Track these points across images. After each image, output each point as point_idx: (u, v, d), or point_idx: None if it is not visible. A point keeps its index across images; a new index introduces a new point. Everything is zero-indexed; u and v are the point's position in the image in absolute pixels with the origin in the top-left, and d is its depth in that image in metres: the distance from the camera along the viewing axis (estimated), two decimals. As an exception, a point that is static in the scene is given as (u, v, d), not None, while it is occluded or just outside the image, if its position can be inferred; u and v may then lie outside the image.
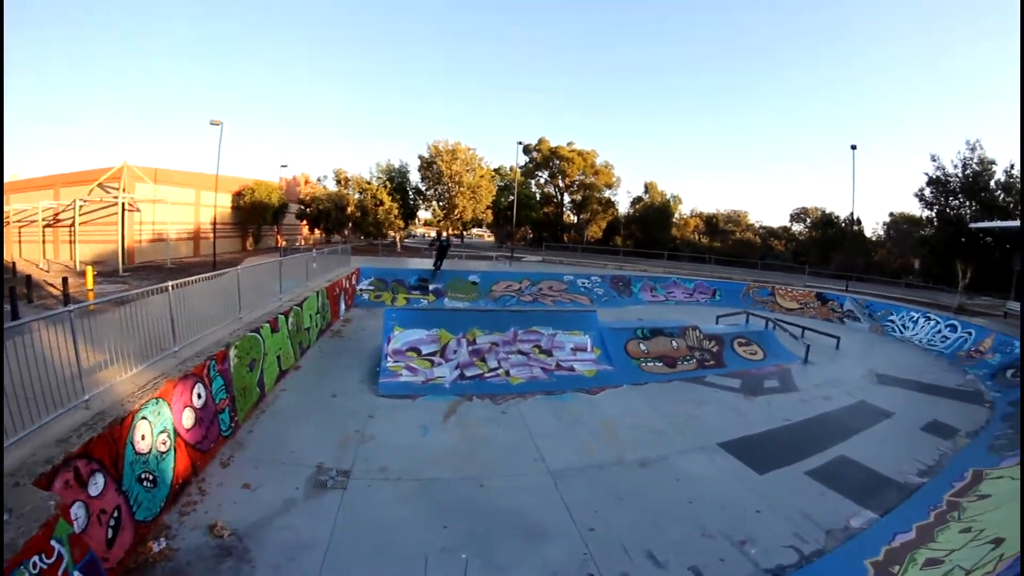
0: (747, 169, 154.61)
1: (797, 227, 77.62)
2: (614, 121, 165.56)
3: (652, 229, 74.84)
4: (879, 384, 18.79)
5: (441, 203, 57.77)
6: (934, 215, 39.66)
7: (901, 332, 29.03)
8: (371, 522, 8.43)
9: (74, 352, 7.46)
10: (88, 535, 6.11)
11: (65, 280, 26.14)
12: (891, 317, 30.52)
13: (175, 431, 8.84)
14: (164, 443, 8.40)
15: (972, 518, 8.63)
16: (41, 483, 5.63)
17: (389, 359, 16.22)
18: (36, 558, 4.75)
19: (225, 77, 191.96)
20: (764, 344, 21.67)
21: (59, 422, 6.91)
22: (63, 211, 43.02)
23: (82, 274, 30.38)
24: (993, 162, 36.40)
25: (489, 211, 62.36)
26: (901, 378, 19.73)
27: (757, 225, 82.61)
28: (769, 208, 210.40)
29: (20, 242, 45.57)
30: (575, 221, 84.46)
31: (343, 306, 25.81)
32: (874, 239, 68.37)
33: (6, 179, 48.48)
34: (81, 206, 41.38)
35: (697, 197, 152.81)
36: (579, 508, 9.27)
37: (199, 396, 9.95)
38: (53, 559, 4.96)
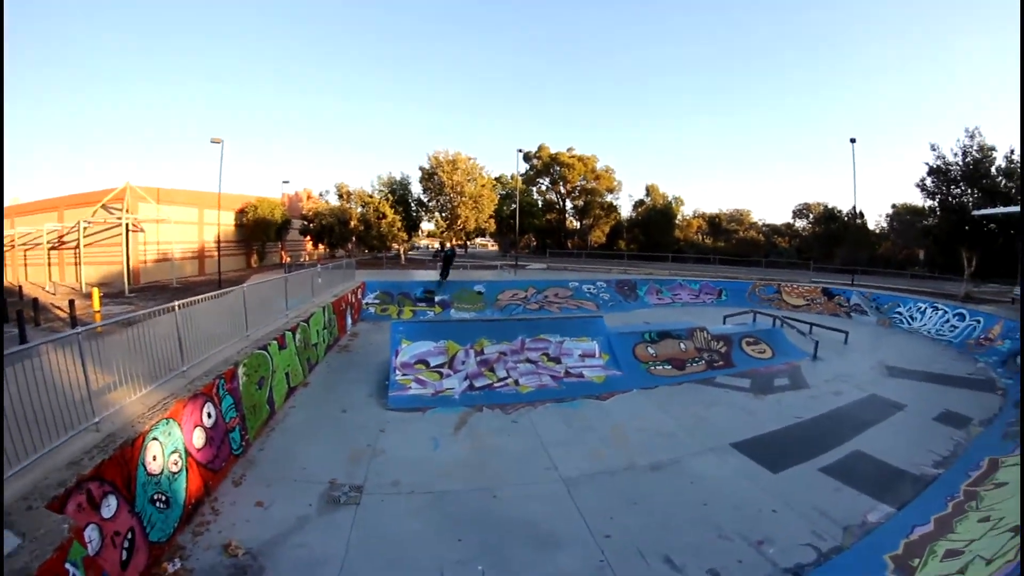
0: (748, 168, 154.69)
1: (800, 223, 77.54)
2: (614, 125, 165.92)
3: (655, 232, 74.79)
4: (889, 377, 18.73)
5: (444, 214, 57.90)
6: (936, 204, 39.45)
7: (909, 323, 29.00)
8: (385, 537, 8.39)
9: (83, 374, 7.47)
10: (102, 558, 6.09)
11: (72, 302, 26.20)
12: (898, 309, 30.50)
13: (186, 451, 8.83)
14: (176, 463, 8.39)
15: (990, 507, 8.56)
16: (54, 506, 5.63)
17: (397, 372, 16.21)
18: (52, 582, 4.75)
19: (225, 95, 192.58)
20: (772, 342, 21.61)
21: (70, 445, 6.92)
22: (67, 233, 43.24)
23: (88, 296, 30.53)
24: (993, 148, 36.25)
25: (492, 220, 62.52)
26: (911, 370, 19.68)
27: (760, 223, 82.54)
28: (772, 205, 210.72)
29: (26, 265, 45.83)
30: (578, 227, 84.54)
31: (350, 321, 25.79)
32: (878, 231, 68.23)
33: (9, 203, 48.80)
34: (85, 228, 41.59)
35: (699, 198, 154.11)
36: (593, 515, 9.22)
37: (209, 415, 9.94)
38: (68, 583, 4.97)
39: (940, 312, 27.49)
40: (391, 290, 31.69)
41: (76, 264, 42.40)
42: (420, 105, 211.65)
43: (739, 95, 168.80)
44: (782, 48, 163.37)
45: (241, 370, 11.84)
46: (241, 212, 57.23)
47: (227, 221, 54.53)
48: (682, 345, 19.51)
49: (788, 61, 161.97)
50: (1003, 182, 36.00)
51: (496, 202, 63.38)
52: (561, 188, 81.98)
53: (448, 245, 53.52)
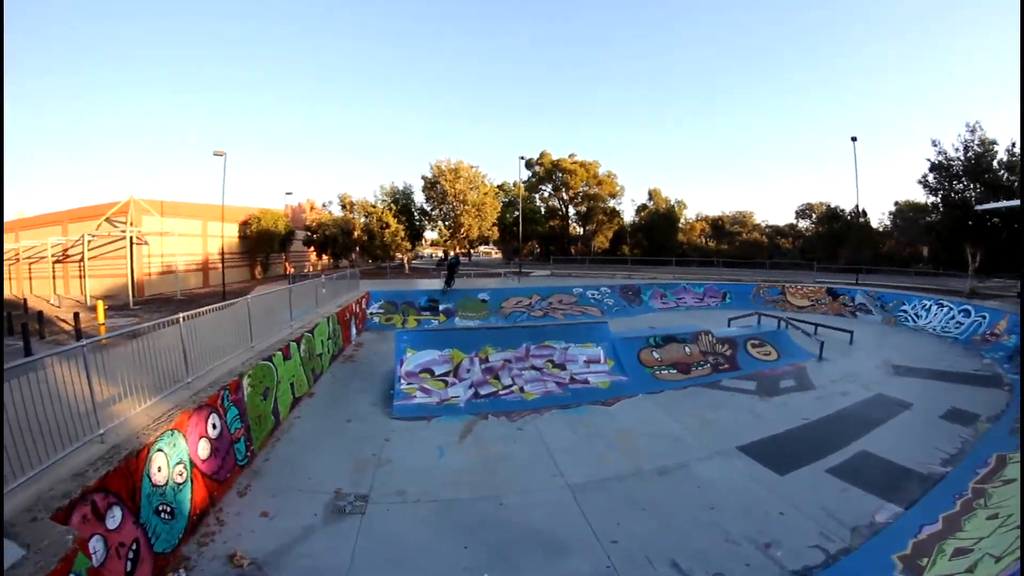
0: (750, 169, 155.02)
1: (803, 224, 77.31)
2: (615, 130, 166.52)
3: (658, 236, 74.72)
4: (895, 375, 18.71)
5: (447, 222, 57.90)
6: (939, 200, 39.39)
7: (914, 321, 28.96)
8: (391, 546, 8.37)
9: (88, 386, 7.49)
10: (107, 569, 6.10)
11: (76, 315, 26.31)
12: (903, 307, 30.47)
13: (191, 462, 8.84)
14: (181, 474, 8.39)
15: (999, 504, 8.52)
16: (59, 517, 5.65)
17: (402, 381, 16.21)
18: (55, 594, 4.75)
19: (226, 105, 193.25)
20: (777, 344, 21.57)
21: (75, 456, 6.94)
22: (72, 246, 43.46)
23: (93, 308, 30.56)
24: (994, 142, 36.17)
25: (495, 228, 62.42)
26: (917, 368, 19.67)
27: (763, 225, 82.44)
28: (774, 207, 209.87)
29: (31, 278, 46.06)
30: (581, 233, 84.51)
31: (354, 331, 25.82)
32: (881, 230, 68.13)
33: (14, 217, 49.02)
34: (89, 241, 41.77)
35: (702, 201, 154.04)
36: (600, 521, 9.20)
37: (214, 426, 9.96)
38: (72, 594, 4.97)
39: (945, 309, 27.45)
40: (395, 299, 31.71)
41: (81, 277, 42.64)
42: (421, 114, 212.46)
43: (740, 97, 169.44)
44: (782, 49, 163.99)
45: (246, 381, 11.86)
46: (245, 224, 57.39)
47: (231, 233, 54.69)
48: (687, 349, 19.48)
49: (788, 61, 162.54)
50: (1005, 176, 35.91)
51: (499, 210, 63.35)
52: (564, 194, 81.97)
53: (451, 254, 53.56)
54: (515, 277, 46.29)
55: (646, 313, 34.70)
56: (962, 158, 36.39)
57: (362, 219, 54.99)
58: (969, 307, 26.17)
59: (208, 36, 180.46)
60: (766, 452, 12.18)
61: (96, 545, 6.09)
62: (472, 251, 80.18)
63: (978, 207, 33.46)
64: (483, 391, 16.29)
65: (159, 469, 7.83)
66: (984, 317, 24.70)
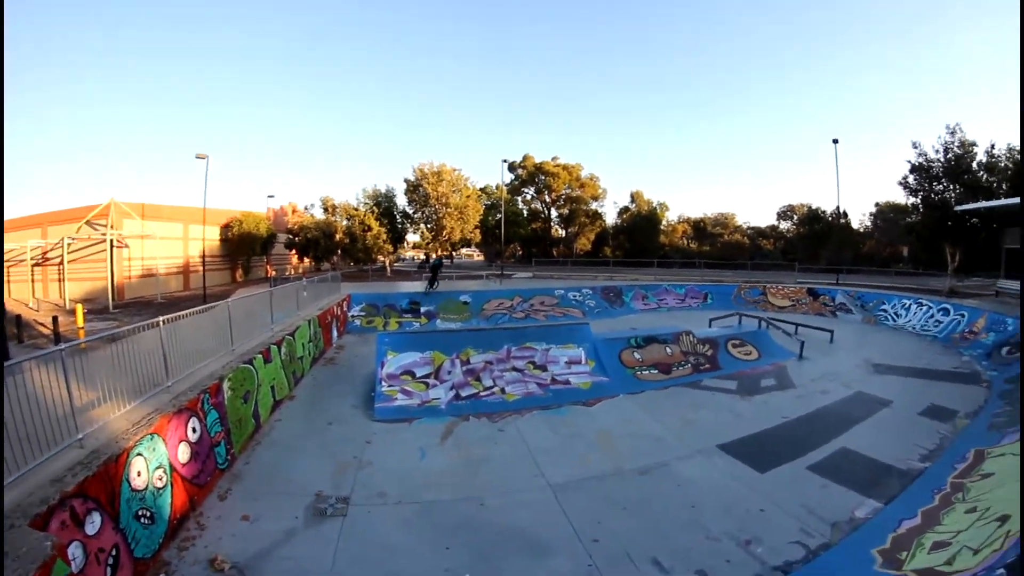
0: (732, 172, 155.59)
1: (784, 225, 78.14)
2: (598, 133, 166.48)
3: (640, 238, 75.23)
4: (875, 374, 18.93)
5: (429, 225, 57.95)
6: (919, 201, 40.07)
7: (894, 320, 29.30)
8: (373, 548, 8.37)
9: (66, 391, 7.44)
10: (86, 575, 6.06)
11: (55, 319, 26.11)
12: (883, 306, 30.85)
13: (171, 466, 8.78)
14: (160, 479, 8.35)
15: (977, 498, 8.66)
16: (37, 524, 5.59)
17: (384, 383, 16.20)
18: (34, 601, 4.72)
19: (207, 108, 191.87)
20: (758, 344, 21.74)
21: (53, 462, 6.88)
22: (51, 249, 43.05)
23: (72, 312, 30.39)
24: (974, 144, 36.83)
25: (477, 230, 62.59)
26: (897, 366, 19.91)
27: (745, 226, 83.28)
28: (756, 208, 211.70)
29: (9, 281, 45.55)
30: (563, 235, 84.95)
31: (335, 333, 25.75)
32: (861, 230, 68.96)
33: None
34: (69, 244, 41.42)
35: (684, 203, 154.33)
36: (581, 520, 9.24)
37: (194, 430, 9.90)
38: (52, 601, 4.94)
39: (925, 308, 27.82)
40: (377, 302, 31.65)
41: (60, 280, 42.20)
42: (404, 117, 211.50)
43: (721, 100, 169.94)
44: (764, 53, 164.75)
45: (226, 384, 11.80)
46: (226, 227, 57.15)
47: (212, 236, 54.41)
48: (668, 349, 19.59)
49: (770, 66, 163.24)
50: (984, 177, 36.56)
51: (481, 212, 63.55)
52: (546, 197, 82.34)
53: (433, 256, 53.63)
54: (497, 279, 46.43)
55: (628, 314, 34.83)
56: (942, 160, 36.98)
57: (344, 222, 54.95)
58: (948, 306, 26.55)
59: (189, 39, 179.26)
60: (747, 450, 12.27)
61: (75, 551, 6.04)
62: (454, 253, 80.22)
63: (958, 207, 33.94)
64: (464, 393, 16.30)
65: (139, 474, 7.78)
66: (963, 316, 25.06)
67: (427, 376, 16.83)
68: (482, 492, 10.41)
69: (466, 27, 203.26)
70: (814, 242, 63.60)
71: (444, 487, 10.60)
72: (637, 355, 19.00)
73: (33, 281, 44.36)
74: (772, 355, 21.11)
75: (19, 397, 6.81)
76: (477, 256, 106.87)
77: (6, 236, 45.21)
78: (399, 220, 60.25)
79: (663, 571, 7.77)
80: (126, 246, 44.16)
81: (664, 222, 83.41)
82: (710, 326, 26.33)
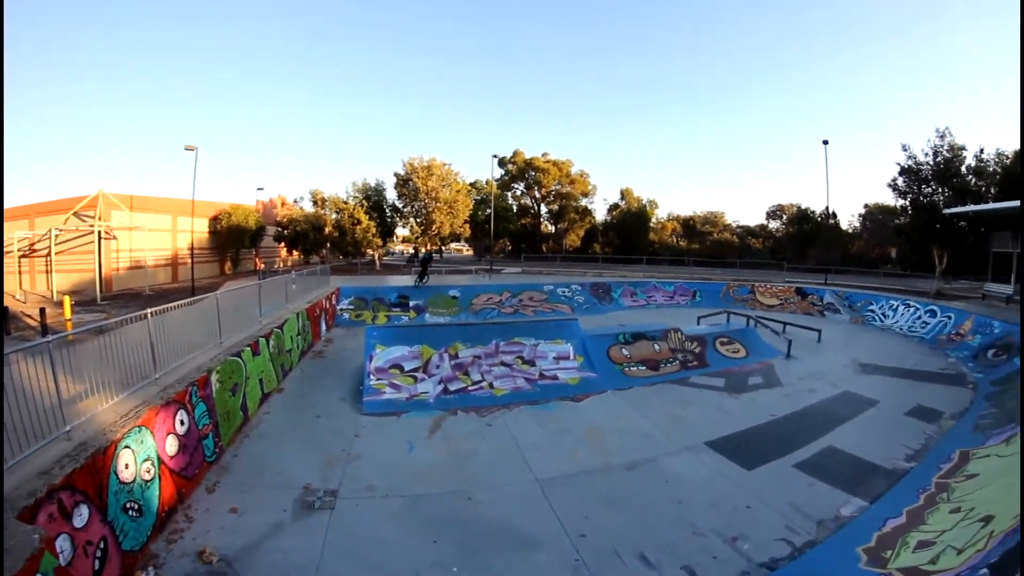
0: (722, 171, 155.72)
1: (774, 224, 78.44)
2: (589, 130, 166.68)
3: (630, 235, 75.36)
4: (862, 373, 19.05)
5: (418, 219, 57.79)
6: (908, 204, 40.17)
7: (881, 321, 29.49)
8: (361, 541, 8.39)
9: (54, 383, 7.41)
10: (74, 568, 6.04)
11: (43, 311, 25.87)
12: (871, 307, 31.04)
13: (159, 459, 8.77)
14: (148, 471, 8.33)
15: (961, 498, 8.74)
16: (25, 516, 5.57)
17: (372, 377, 16.19)
18: (22, 593, 4.71)
19: (197, 101, 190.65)
20: (746, 342, 21.83)
21: (41, 454, 6.85)
22: (39, 241, 42.65)
23: (60, 304, 30.12)
24: (963, 148, 36.97)
25: (467, 225, 62.45)
26: (884, 366, 20.04)
27: (734, 225, 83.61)
28: (745, 207, 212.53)
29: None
30: (553, 231, 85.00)
31: (324, 327, 25.71)
32: (850, 231, 69.29)
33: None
34: (57, 235, 41.06)
35: (673, 201, 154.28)
36: (569, 515, 9.28)
37: (182, 422, 9.88)
38: (39, 594, 4.93)
39: (912, 309, 28.02)
40: (365, 296, 31.61)
41: (47, 272, 41.84)
42: (394, 111, 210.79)
43: (713, 100, 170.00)
44: (756, 54, 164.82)
45: (214, 377, 11.78)
46: (215, 219, 56.81)
47: (201, 228, 54.10)
48: (656, 346, 19.65)
49: (761, 67, 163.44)
50: (973, 181, 36.77)
51: (471, 207, 63.44)
52: (536, 193, 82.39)
53: (423, 250, 53.60)
54: (486, 274, 46.37)
55: (616, 311, 34.94)
56: (931, 163, 37.11)
57: (333, 215, 54.72)
58: (935, 308, 26.76)
59: (181, 35, 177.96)
60: (734, 448, 12.35)
61: (63, 544, 6.02)
62: (443, 248, 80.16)
63: (946, 211, 34.09)
64: (452, 387, 16.33)
65: (126, 466, 7.77)
66: (950, 317, 25.26)
67: (415, 370, 16.83)
68: (470, 486, 10.44)
69: (462, 26, 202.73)
70: (803, 242, 63.88)
71: (432, 481, 10.62)
72: (625, 351, 19.06)
73: (20, 273, 43.97)
74: (760, 353, 21.22)
75: (6, 389, 6.75)
76: (466, 251, 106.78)
77: (-7, 227, 44.87)
78: (389, 214, 60.05)
79: (650, 566, 7.82)
80: (114, 238, 43.83)
81: (654, 219, 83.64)
82: (698, 324, 26.51)
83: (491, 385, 16.56)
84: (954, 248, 36.94)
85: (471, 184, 70.74)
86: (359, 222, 53.37)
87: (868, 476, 10.82)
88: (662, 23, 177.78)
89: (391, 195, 59.89)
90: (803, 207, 70.92)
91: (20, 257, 43.71)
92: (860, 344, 24.48)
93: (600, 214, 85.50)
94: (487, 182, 76.30)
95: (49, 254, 41.23)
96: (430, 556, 7.99)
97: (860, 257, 59.73)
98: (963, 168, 37.06)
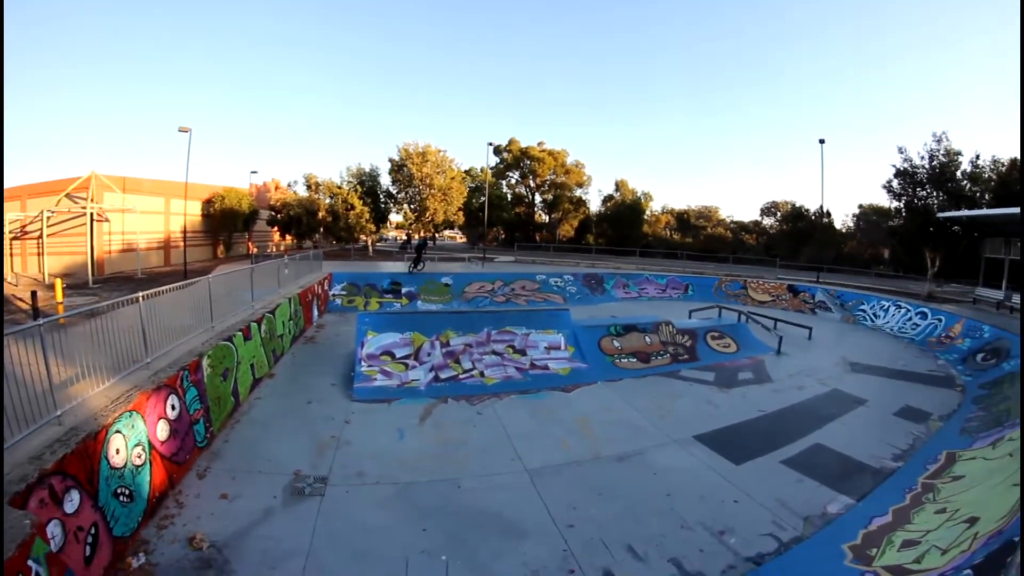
0: (718, 165, 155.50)
1: (768, 221, 78.27)
2: (585, 120, 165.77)
3: (624, 227, 75.27)
4: (852, 372, 19.13)
5: (412, 206, 57.71)
6: (902, 206, 40.50)
7: (872, 321, 29.56)
8: (350, 528, 8.43)
9: (45, 367, 7.39)
10: (65, 554, 6.03)
11: (34, 293, 25.73)
12: (862, 307, 31.09)
13: (150, 444, 8.76)
14: (139, 456, 8.33)
15: (947, 499, 8.84)
16: (16, 502, 5.56)
17: (363, 364, 16.22)
18: (14, 579, 4.71)
19: (192, 83, 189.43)
20: (737, 337, 21.92)
21: (32, 439, 6.83)
22: (30, 223, 42.27)
23: (51, 287, 29.99)
24: (959, 153, 37.23)
25: (460, 213, 62.44)
26: (873, 366, 20.12)
27: (728, 220, 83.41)
28: (740, 203, 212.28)
29: (-9, 255, 44.87)
30: (547, 220, 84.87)
31: (316, 312, 25.69)
32: (844, 231, 69.24)
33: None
34: (49, 217, 40.68)
35: (668, 194, 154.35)
36: (557, 505, 9.35)
37: (173, 407, 9.88)
38: (31, 580, 4.93)
39: (903, 310, 28.13)
40: (358, 281, 31.61)
41: (39, 255, 41.47)
42: (390, 96, 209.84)
43: (711, 95, 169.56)
44: (752, 50, 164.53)
45: (206, 362, 11.78)
46: (208, 202, 56.41)
47: (194, 211, 53.76)
48: (647, 339, 19.72)
49: (757, 63, 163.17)
50: (968, 186, 37.02)
51: (465, 195, 63.40)
52: (531, 182, 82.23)
53: (417, 237, 53.61)
54: (479, 262, 46.46)
55: (608, 302, 35.07)
56: (927, 166, 37.33)
57: (327, 200, 54.58)
58: (926, 310, 26.87)
59: (176, 13, 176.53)
60: (723, 442, 12.43)
61: (54, 530, 6.01)
62: (437, 235, 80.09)
63: (940, 215, 34.30)
64: (443, 375, 16.38)
65: (117, 451, 7.76)
66: (940, 320, 25.38)
67: (407, 357, 16.87)
68: (459, 474, 10.51)
69: (459, 12, 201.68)
70: (796, 239, 63.82)
71: (422, 468, 10.67)
72: (616, 343, 19.13)
73: (12, 255, 43.64)
74: (750, 349, 21.32)
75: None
76: (460, 238, 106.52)
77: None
78: (383, 200, 59.98)
79: (637, 558, 7.88)
80: (107, 220, 43.50)
81: (648, 212, 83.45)
82: (690, 317, 26.53)
83: (482, 374, 16.62)
84: (947, 251, 37.19)
85: (466, 171, 70.66)
86: (353, 207, 53.31)
87: (855, 474, 10.92)
88: (660, 17, 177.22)
89: (385, 181, 60.00)
90: (797, 205, 70.86)
91: (11, 239, 43.38)
92: (851, 343, 24.60)
93: (594, 205, 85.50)
94: (482, 170, 76.08)
95: (41, 236, 40.86)
96: (419, 543, 8.03)
97: (853, 257, 59.63)
98: (958, 173, 37.32)
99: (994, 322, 22.54)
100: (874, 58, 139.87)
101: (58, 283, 27.99)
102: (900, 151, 38.32)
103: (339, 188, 55.38)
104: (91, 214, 40.68)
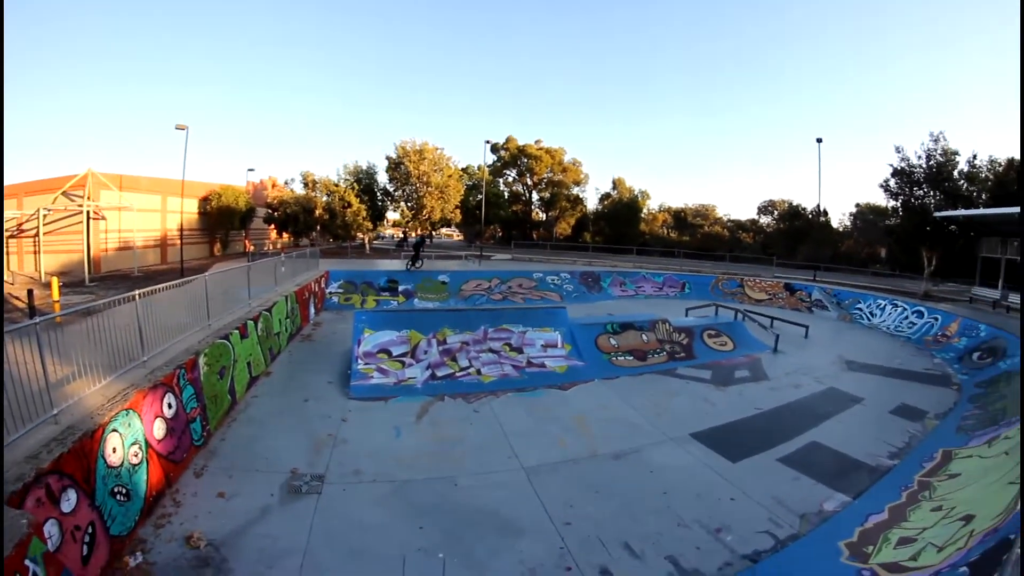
0: (715, 164, 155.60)
1: (765, 219, 78.26)
2: (583, 119, 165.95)
3: (621, 225, 75.22)
4: (848, 370, 19.15)
5: (409, 204, 57.62)
6: (899, 205, 40.50)
7: (869, 319, 29.63)
8: (347, 526, 8.44)
9: (41, 366, 7.37)
10: (63, 553, 6.02)
11: (30, 292, 25.68)
12: (859, 305, 31.14)
13: (147, 442, 8.75)
14: (136, 455, 8.33)
15: (943, 497, 8.87)
16: (13, 501, 5.54)
17: (360, 361, 16.22)
18: (11, 579, 4.70)
19: (192, 83, 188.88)
20: (734, 335, 21.95)
21: (28, 438, 6.82)
22: (27, 221, 42.15)
23: (47, 285, 29.94)
24: (956, 153, 37.28)
25: (458, 211, 62.31)
26: (870, 364, 20.15)
27: (725, 218, 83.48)
28: (737, 201, 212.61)
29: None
30: (544, 218, 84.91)
31: (313, 310, 25.69)
32: (841, 230, 69.30)
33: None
34: (45, 215, 40.60)
35: (665, 192, 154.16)
36: (554, 503, 9.36)
37: (170, 406, 9.87)
38: (28, 580, 4.92)
39: (899, 309, 28.19)
40: (355, 279, 31.61)
41: (35, 253, 41.34)
42: (390, 96, 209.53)
43: (710, 95, 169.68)
44: (752, 50, 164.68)
45: (202, 360, 11.77)
46: (205, 200, 56.29)
47: (191, 209, 53.69)
48: (644, 336, 19.74)
49: (755, 62, 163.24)
50: (965, 186, 37.12)
51: (462, 192, 63.23)
52: (528, 180, 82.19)
53: (414, 235, 53.62)
54: (476, 260, 46.45)
55: (605, 300, 35.04)
56: (924, 166, 37.35)
57: (324, 198, 54.49)
58: (922, 308, 26.95)
59: (173, 12, 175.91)
60: (719, 439, 12.46)
61: (51, 529, 6.00)
62: (434, 233, 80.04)
63: (937, 214, 34.37)
64: (440, 373, 16.38)
65: (114, 450, 7.76)
66: (936, 319, 25.45)
67: (403, 355, 16.88)
68: (456, 472, 10.52)
69: (458, 11, 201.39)
70: (793, 238, 63.81)
71: (419, 466, 10.68)
72: (613, 341, 19.15)
73: (8, 253, 43.52)
74: (747, 347, 21.34)
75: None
76: (456, 236, 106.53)
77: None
78: (379, 197, 59.85)
79: (634, 556, 7.89)
80: (103, 218, 43.41)
81: (645, 210, 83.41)
82: (687, 315, 26.57)
83: (479, 371, 16.62)
84: (943, 251, 37.27)
85: (463, 169, 70.48)
86: (350, 205, 53.20)
87: (851, 472, 10.94)
88: (660, 17, 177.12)
89: (382, 178, 59.73)
90: (795, 204, 70.85)
91: (8, 238, 43.23)
92: (847, 341, 24.64)
93: (592, 203, 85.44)
94: (479, 168, 75.99)
95: (37, 234, 40.75)
96: (416, 541, 8.04)
97: (850, 256, 59.67)
98: (955, 173, 37.39)
99: (990, 321, 22.60)
100: (874, 58, 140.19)
101: (54, 281, 27.97)
102: (897, 150, 38.40)
103: (336, 186, 55.26)
104: (88, 212, 40.61)
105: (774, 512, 9.25)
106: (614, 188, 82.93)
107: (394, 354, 16.83)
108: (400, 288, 31.67)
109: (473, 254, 52.02)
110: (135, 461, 8.25)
